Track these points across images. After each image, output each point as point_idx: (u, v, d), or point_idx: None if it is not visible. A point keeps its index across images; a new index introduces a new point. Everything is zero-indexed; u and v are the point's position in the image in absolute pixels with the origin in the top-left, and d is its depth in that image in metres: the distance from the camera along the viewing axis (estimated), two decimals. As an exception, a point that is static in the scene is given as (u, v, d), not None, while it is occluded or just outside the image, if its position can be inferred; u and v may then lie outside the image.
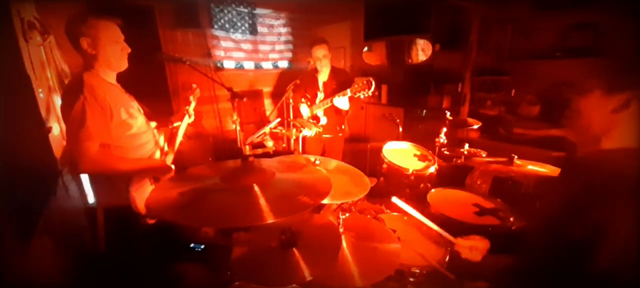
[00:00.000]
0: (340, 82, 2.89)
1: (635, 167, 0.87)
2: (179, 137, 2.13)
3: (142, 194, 1.73)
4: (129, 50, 1.78)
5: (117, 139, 1.70)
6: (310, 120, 2.88)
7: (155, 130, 2.02)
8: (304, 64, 3.09)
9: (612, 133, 0.95)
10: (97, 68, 1.69)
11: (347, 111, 2.94)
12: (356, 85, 2.59)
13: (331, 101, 2.79)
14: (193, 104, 2.23)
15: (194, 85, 2.28)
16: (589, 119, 1.01)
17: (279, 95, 4.37)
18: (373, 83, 2.49)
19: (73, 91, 1.59)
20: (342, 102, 2.78)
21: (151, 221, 1.82)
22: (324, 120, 3.02)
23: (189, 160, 2.11)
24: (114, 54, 1.70)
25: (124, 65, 1.78)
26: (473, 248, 1.40)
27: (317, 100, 3.01)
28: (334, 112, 3.04)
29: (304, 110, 3.04)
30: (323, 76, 3.06)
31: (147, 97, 1.98)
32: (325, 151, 3.21)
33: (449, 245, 1.54)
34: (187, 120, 2.19)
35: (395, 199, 1.63)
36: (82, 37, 1.62)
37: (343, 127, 3.21)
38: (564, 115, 1.09)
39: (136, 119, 1.80)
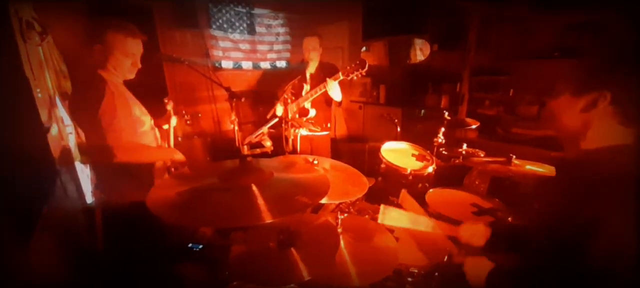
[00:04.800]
0: (327, 74, 2.85)
1: (621, 164, 0.89)
2: (171, 143, 2.21)
3: None
4: (139, 66, 1.83)
5: (134, 135, 1.76)
6: (306, 119, 2.86)
7: (157, 130, 2.04)
8: (302, 64, 3.09)
9: (588, 133, 0.97)
10: (108, 69, 1.74)
11: (339, 103, 2.89)
12: (349, 67, 2.55)
13: (324, 87, 2.70)
14: (170, 111, 2.30)
15: (165, 100, 2.35)
16: (563, 120, 1.03)
17: (274, 95, 4.39)
18: (366, 62, 2.47)
19: (95, 86, 1.64)
20: (334, 90, 2.71)
21: None
22: (312, 112, 2.98)
23: (187, 159, 2.11)
24: (121, 65, 1.75)
25: (129, 76, 1.82)
26: (475, 234, 1.39)
27: (304, 92, 2.96)
28: (323, 105, 3.01)
29: (279, 111, 2.90)
30: (311, 68, 3.03)
31: (145, 96, 1.98)
32: (313, 150, 3.16)
33: (452, 238, 1.52)
34: (173, 123, 2.27)
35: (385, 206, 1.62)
36: (96, 44, 1.68)
37: (329, 125, 3.17)
38: (541, 116, 1.12)
39: (147, 116, 1.88)
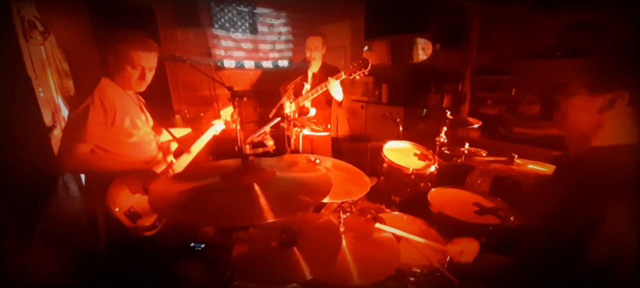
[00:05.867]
0: (330, 75, 2.78)
1: (628, 164, 0.88)
2: (201, 144, 2.19)
3: (121, 203, 1.70)
4: (147, 80, 1.84)
5: (114, 143, 1.74)
6: (307, 119, 2.85)
7: (157, 139, 2.03)
8: (304, 63, 3.08)
9: (600, 132, 0.96)
10: (115, 78, 1.76)
11: (340, 102, 2.86)
12: (351, 66, 2.53)
13: (326, 86, 2.68)
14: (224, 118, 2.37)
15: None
16: (577, 120, 1.03)
17: (276, 95, 4.36)
18: (369, 61, 2.46)
19: (87, 91, 1.66)
20: (336, 89, 2.69)
21: (148, 233, 1.80)
22: (312, 112, 2.96)
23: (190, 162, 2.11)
24: (129, 77, 1.76)
25: (137, 88, 1.85)
26: (464, 251, 1.43)
27: (304, 91, 2.94)
28: (323, 104, 3.00)
29: (287, 107, 2.93)
30: (314, 68, 3.02)
31: (147, 96, 1.99)
32: (313, 149, 3.14)
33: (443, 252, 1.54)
34: (214, 132, 2.29)
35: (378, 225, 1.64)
36: (109, 54, 1.72)
37: (329, 126, 3.16)
38: (553, 116, 1.11)
39: (139, 129, 1.84)
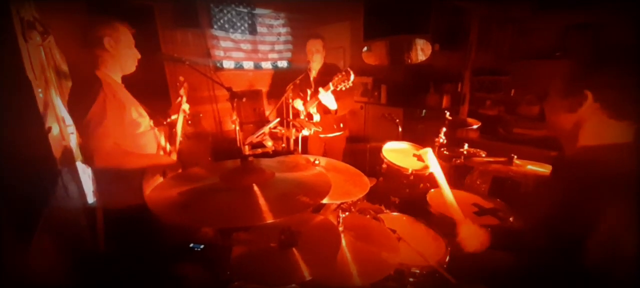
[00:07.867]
0: (330, 76, 2.80)
1: (620, 162, 0.89)
2: (178, 135, 2.15)
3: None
4: (139, 56, 1.86)
5: (127, 137, 1.74)
6: (306, 119, 2.87)
7: (156, 130, 2.03)
8: (303, 64, 3.08)
9: (582, 131, 0.98)
10: (108, 67, 1.74)
11: (335, 111, 2.89)
12: (336, 78, 2.58)
13: (317, 98, 2.75)
14: (184, 98, 2.27)
15: (181, 78, 2.35)
16: (557, 121, 1.06)
17: (275, 95, 4.35)
18: (351, 73, 2.51)
19: (90, 87, 1.61)
20: (328, 99, 2.74)
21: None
22: (317, 118, 2.98)
23: (189, 160, 2.11)
24: (128, 57, 1.79)
25: (133, 68, 1.85)
26: (472, 236, 1.39)
27: (309, 97, 2.97)
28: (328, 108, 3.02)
29: (299, 105, 2.99)
30: (314, 71, 3.05)
31: (147, 96, 1.98)
32: (326, 151, 3.18)
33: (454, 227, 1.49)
34: (182, 115, 2.22)
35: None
36: (106, 37, 1.68)
37: (341, 125, 3.17)
38: (545, 118, 1.13)
39: (144, 118, 1.85)
